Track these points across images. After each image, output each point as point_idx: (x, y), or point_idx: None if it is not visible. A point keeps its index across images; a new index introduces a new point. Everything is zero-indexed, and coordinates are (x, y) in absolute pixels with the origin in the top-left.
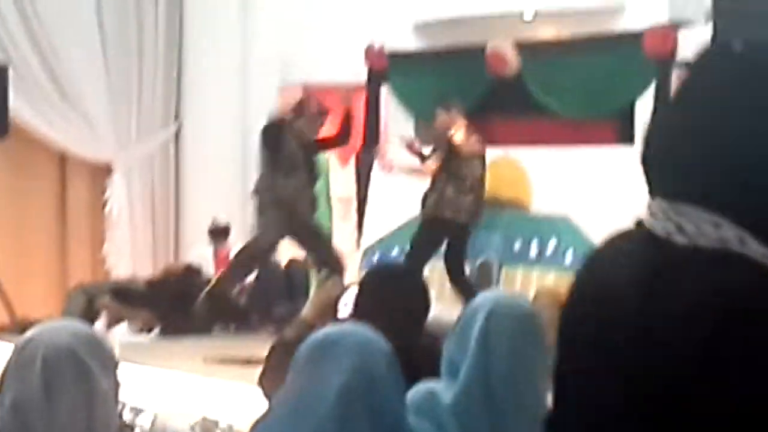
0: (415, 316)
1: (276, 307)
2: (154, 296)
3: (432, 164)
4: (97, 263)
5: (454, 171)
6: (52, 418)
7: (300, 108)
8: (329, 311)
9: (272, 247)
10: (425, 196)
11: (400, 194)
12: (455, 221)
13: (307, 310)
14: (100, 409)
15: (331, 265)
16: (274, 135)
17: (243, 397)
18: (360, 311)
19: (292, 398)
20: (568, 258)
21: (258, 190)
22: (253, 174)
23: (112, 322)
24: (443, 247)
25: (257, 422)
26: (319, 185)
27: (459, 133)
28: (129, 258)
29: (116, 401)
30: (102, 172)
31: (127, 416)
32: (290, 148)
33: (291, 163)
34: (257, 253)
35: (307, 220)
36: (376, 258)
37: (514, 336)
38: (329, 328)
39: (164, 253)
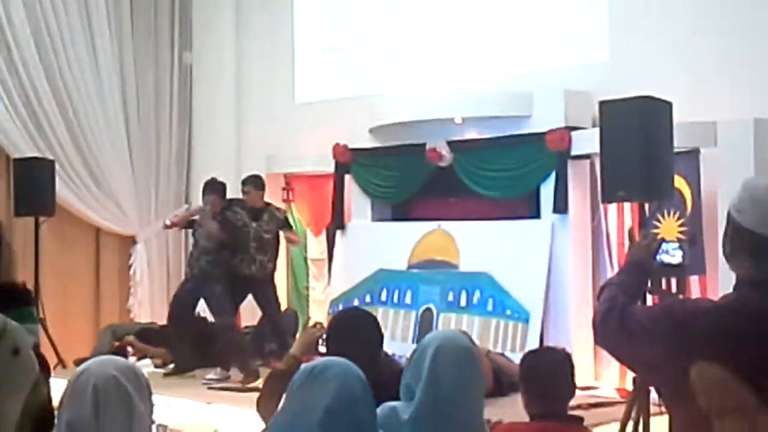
0: (372, 347)
1: (268, 345)
2: (168, 338)
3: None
4: (123, 313)
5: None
6: None
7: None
8: (313, 348)
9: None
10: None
11: (358, 258)
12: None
13: (295, 347)
14: (137, 427)
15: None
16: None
17: (240, 416)
18: (331, 347)
19: (288, 415)
20: (490, 306)
21: None
22: None
23: (138, 358)
24: None
25: None
26: (299, 250)
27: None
28: (148, 309)
29: (151, 421)
30: (127, 242)
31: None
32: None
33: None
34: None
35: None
36: (340, 307)
37: (457, 366)
38: (316, 361)
39: None
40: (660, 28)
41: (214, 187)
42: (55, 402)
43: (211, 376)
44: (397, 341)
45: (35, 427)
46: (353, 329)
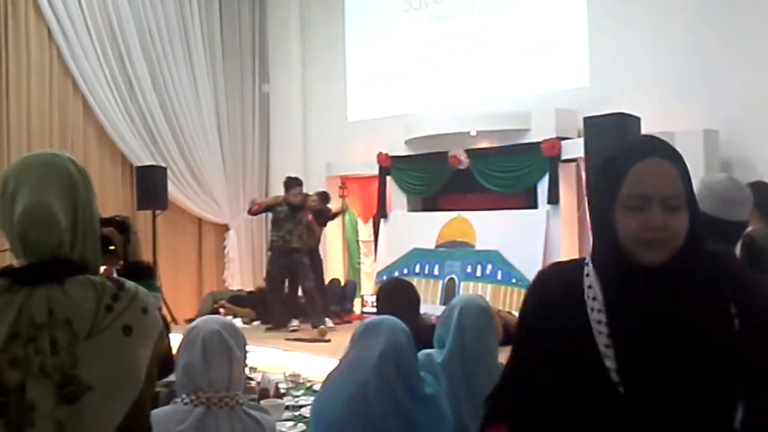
0: (413, 306)
1: (333, 307)
2: (254, 302)
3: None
4: (220, 283)
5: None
6: (207, 374)
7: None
8: None
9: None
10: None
11: (397, 240)
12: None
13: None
14: (236, 369)
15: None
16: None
17: (311, 361)
18: (381, 307)
19: (350, 359)
20: (499, 276)
21: None
22: None
23: (231, 317)
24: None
25: (330, 374)
26: (351, 234)
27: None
28: (239, 279)
29: (245, 365)
30: (222, 229)
31: (247, 372)
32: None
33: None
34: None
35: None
36: (384, 277)
37: (477, 322)
38: (371, 318)
39: (260, 277)
40: (629, 59)
41: (299, 182)
42: (173, 351)
43: (293, 326)
44: (428, 304)
45: (160, 368)
46: (398, 294)
